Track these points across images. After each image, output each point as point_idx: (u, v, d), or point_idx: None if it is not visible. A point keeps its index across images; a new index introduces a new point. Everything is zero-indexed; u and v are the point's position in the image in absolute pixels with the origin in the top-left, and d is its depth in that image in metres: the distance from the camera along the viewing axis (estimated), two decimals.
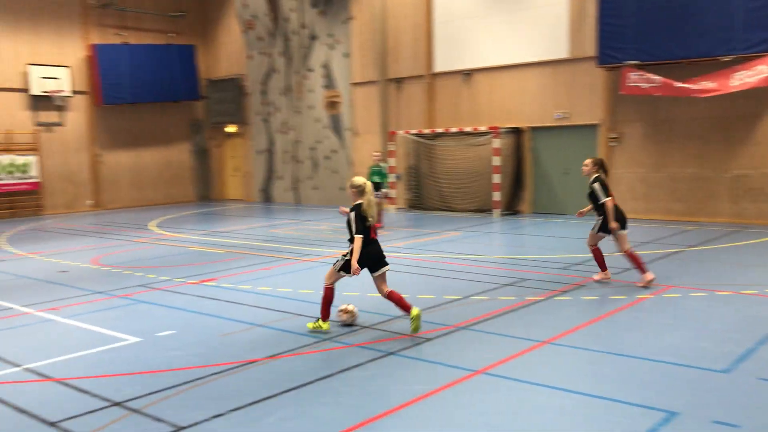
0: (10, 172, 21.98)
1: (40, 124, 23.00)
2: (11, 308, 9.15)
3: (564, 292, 9.26)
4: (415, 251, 13.03)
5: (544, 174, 19.22)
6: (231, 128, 26.99)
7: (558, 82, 18.62)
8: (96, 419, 5.24)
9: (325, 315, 7.53)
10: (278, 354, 6.80)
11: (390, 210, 20.80)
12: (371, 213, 7.45)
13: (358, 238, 7.26)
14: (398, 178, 21.31)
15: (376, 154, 16.93)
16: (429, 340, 7.16)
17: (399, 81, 21.62)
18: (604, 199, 9.46)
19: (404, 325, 7.73)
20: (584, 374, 6.12)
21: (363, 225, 7.33)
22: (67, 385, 6.06)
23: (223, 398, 5.62)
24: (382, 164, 16.71)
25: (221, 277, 10.95)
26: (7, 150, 22.08)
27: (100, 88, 23.80)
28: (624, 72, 16.33)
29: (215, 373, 6.25)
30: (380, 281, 7.58)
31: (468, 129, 19.74)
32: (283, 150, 25.22)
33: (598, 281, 9.82)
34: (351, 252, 7.34)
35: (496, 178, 18.85)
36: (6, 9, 22.13)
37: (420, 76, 21.12)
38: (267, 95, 25.46)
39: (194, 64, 26.28)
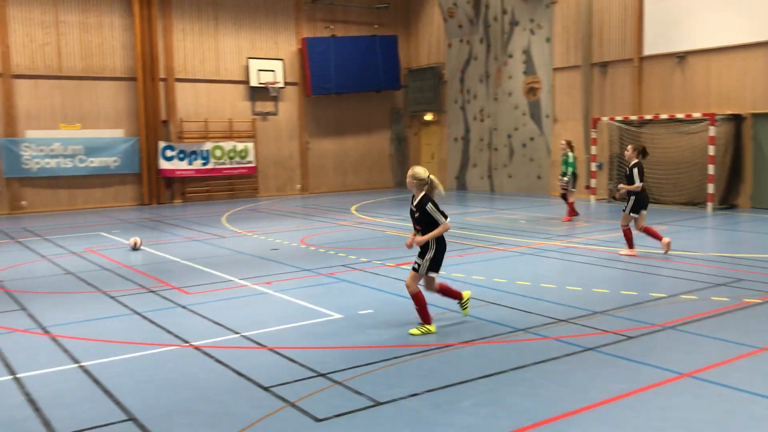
0: (232, 158, 24.13)
1: (256, 114, 24.97)
2: (231, 280, 10.07)
3: None
4: (617, 245, 12.43)
5: (767, 165, 17.42)
6: (428, 116, 27.46)
7: None
8: (303, 387, 5.63)
9: (427, 318, 7.13)
10: (473, 340, 6.84)
11: (590, 200, 20.02)
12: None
13: (447, 224, 7.22)
14: (600, 167, 20.42)
15: (562, 143, 16.34)
16: (631, 338, 6.81)
17: (604, 65, 20.66)
18: (638, 183, 10.94)
19: (605, 320, 7.43)
20: None
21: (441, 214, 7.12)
22: (278, 353, 6.56)
23: (419, 378, 5.77)
24: (569, 153, 15.94)
25: None
26: (229, 137, 24.26)
27: (309, 80, 25.31)
28: None
29: (411, 354, 6.42)
30: (431, 281, 7.33)
31: (680, 116, 18.38)
32: (479, 137, 25.20)
33: (625, 255, 11.11)
34: (430, 251, 7.16)
35: (711, 169, 17.39)
36: (229, 8, 24.22)
37: (627, 60, 20.03)
38: (465, 83, 25.55)
39: (396, 55, 27.02)
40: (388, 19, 27.66)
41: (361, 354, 6.47)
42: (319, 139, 26.45)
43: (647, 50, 19.57)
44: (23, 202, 21.06)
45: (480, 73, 24.88)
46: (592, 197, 20.15)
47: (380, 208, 19.99)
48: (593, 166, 20.24)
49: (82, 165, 21.69)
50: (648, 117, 19.11)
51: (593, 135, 20.26)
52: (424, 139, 28.29)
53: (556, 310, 7.92)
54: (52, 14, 21.22)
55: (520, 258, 11.46)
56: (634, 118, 19.47)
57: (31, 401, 5.46)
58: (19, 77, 20.77)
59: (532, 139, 23.13)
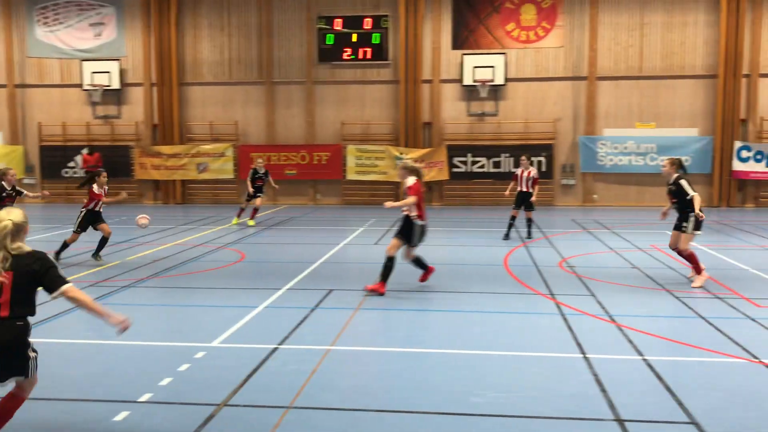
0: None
1: None
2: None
3: None
4: None
5: None
6: None
7: None
8: None
9: None
10: None
11: None
12: None
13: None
14: None
15: None
16: None
17: None
18: (692, 194, 9.57)
19: None
20: None
21: None
22: None
23: None
24: None
25: None
26: None
27: None
28: None
29: None
30: None
31: None
32: None
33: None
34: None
35: None
36: None
37: None
38: None
39: None
40: None
41: None
42: None
43: None
44: (594, 196, 22.63)
45: None
46: None
47: None
48: None
49: (653, 163, 22.05)
50: None
51: None
52: None
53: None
54: (638, 17, 22.02)
55: None
56: None
57: (599, 382, 5.87)
58: (602, 79, 22.27)
59: None
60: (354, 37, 22.99)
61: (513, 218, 14.65)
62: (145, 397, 5.55)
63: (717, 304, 8.73)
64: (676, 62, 21.98)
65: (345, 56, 23.10)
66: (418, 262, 9.62)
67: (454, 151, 22.79)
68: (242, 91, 23.84)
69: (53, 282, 4.33)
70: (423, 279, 9.73)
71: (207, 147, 23.80)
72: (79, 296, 4.35)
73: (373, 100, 23.36)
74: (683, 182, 9.88)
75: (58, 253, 11.41)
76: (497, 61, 22.25)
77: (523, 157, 15.14)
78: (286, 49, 23.52)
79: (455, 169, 22.89)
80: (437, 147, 22.81)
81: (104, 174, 11.97)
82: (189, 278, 10.59)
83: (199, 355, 6.63)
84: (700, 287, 9.42)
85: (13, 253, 4.32)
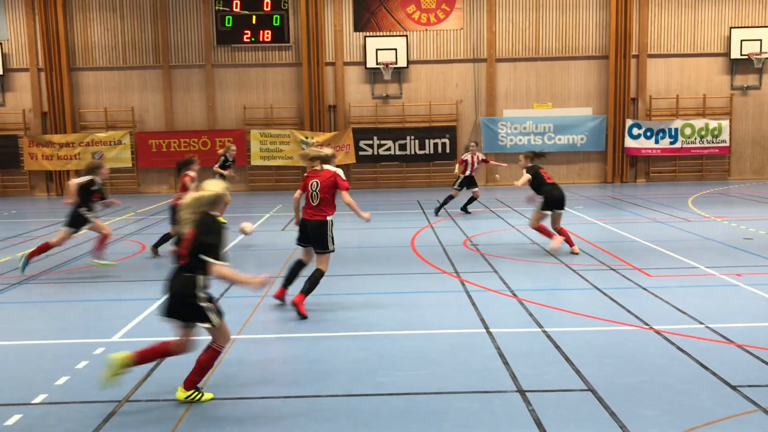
0: (702, 136, 22.58)
1: (735, 88, 22.80)
2: (696, 267, 9.49)
3: None
4: None
5: None
6: None
7: None
8: None
9: None
10: None
11: None
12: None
13: None
14: None
15: None
16: None
17: None
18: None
19: None
20: None
21: None
22: (748, 352, 5.98)
23: None
24: None
25: None
26: (701, 114, 22.72)
27: None
28: None
29: None
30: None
31: None
32: None
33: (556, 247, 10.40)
34: None
35: None
36: None
37: None
38: None
39: None
40: None
41: None
42: None
43: None
44: (497, 176, 23.20)
45: None
46: None
47: None
48: None
49: (551, 142, 22.82)
50: None
51: None
52: None
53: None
54: None
55: None
56: None
57: (501, 355, 6.05)
58: (500, 60, 22.78)
59: None
60: (254, 19, 22.51)
61: (451, 198, 15.56)
62: (39, 399, 5.29)
63: (611, 275, 9.15)
64: (570, 43, 22.75)
65: (245, 38, 22.61)
66: (290, 276, 7.87)
67: (360, 134, 22.78)
68: (138, 75, 22.94)
69: (208, 254, 4.99)
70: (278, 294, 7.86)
71: (102, 135, 22.79)
72: (225, 273, 5.03)
73: (276, 83, 23.01)
74: (525, 174, 11.07)
75: (155, 246, 11.31)
76: (399, 43, 22.34)
77: (473, 144, 15.88)
78: (183, 31, 22.78)
79: (362, 152, 22.91)
80: (343, 130, 22.74)
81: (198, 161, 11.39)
82: (86, 272, 10.17)
83: (99, 351, 6.37)
84: (557, 248, 10.41)
85: (201, 216, 5.03)
